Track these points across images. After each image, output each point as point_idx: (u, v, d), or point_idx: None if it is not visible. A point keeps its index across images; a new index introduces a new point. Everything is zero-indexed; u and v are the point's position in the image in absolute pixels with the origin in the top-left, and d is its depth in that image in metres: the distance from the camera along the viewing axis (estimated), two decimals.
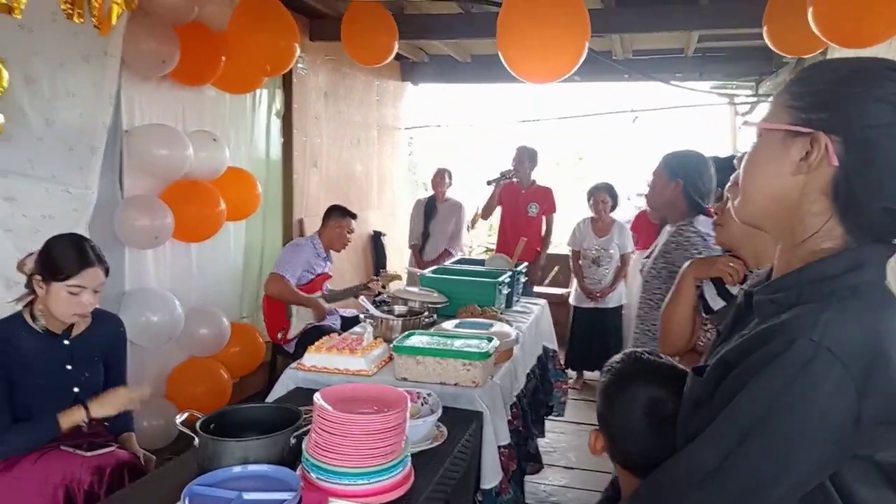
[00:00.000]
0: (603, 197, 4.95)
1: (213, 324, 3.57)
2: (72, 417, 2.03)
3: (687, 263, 1.66)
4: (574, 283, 5.17)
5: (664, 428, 0.99)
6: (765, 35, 3.18)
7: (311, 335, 3.77)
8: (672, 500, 0.85)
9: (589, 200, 5.11)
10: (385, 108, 6.30)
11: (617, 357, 1.17)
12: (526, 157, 4.97)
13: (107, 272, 2.10)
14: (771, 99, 0.92)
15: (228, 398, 3.65)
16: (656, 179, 2.49)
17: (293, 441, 1.70)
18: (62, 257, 2.02)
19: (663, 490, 0.88)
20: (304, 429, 1.70)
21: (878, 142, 0.78)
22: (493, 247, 5.73)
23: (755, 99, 6.62)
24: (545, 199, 5.02)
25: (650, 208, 2.97)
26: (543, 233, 5.07)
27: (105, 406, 2.09)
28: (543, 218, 5.03)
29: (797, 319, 0.79)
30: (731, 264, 1.53)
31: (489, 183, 5.12)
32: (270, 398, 2.37)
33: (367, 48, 3.79)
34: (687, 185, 2.39)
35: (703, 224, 2.36)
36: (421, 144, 8.08)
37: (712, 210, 1.99)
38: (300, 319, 3.90)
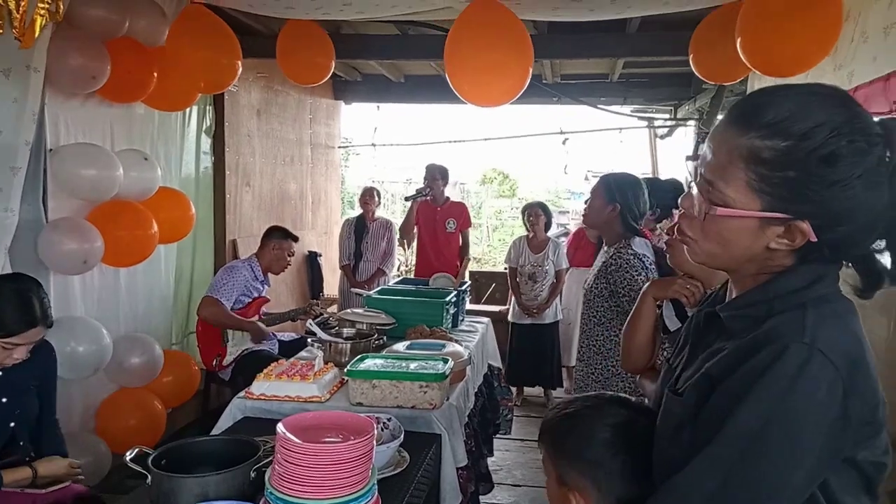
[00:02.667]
0: (536, 212, 5.07)
1: (144, 352, 3.38)
2: (15, 476, 1.91)
3: (647, 284, 1.71)
4: (512, 300, 5.25)
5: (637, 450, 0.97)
6: (691, 62, 3.36)
7: (248, 361, 3.65)
8: None
9: (523, 218, 5.22)
10: (318, 126, 6.22)
11: (561, 403, 1.12)
12: (438, 174, 5.04)
13: (49, 326, 1.99)
14: (715, 153, 0.87)
15: (163, 430, 3.46)
16: (595, 201, 2.59)
17: (253, 474, 1.64)
18: (4, 313, 1.88)
19: None
20: (266, 461, 1.63)
21: (854, 214, 0.81)
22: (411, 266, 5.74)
23: (673, 122, 6.99)
24: (461, 214, 5.13)
25: (588, 227, 3.07)
26: (461, 247, 5.15)
27: (50, 467, 1.99)
28: (460, 233, 5.11)
29: (782, 326, 0.82)
30: (687, 286, 1.59)
31: (407, 199, 5.15)
32: (217, 430, 2.27)
33: (303, 68, 3.74)
34: (624, 209, 2.50)
35: (640, 245, 2.47)
36: (353, 162, 8.03)
37: (664, 230, 2.08)
38: (236, 345, 3.76)
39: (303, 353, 2.84)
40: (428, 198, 5.03)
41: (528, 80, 2.74)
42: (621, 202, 2.52)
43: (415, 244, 5.39)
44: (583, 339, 2.64)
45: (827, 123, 0.79)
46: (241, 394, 2.39)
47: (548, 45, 4.46)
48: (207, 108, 4.54)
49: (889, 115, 1.99)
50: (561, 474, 1.04)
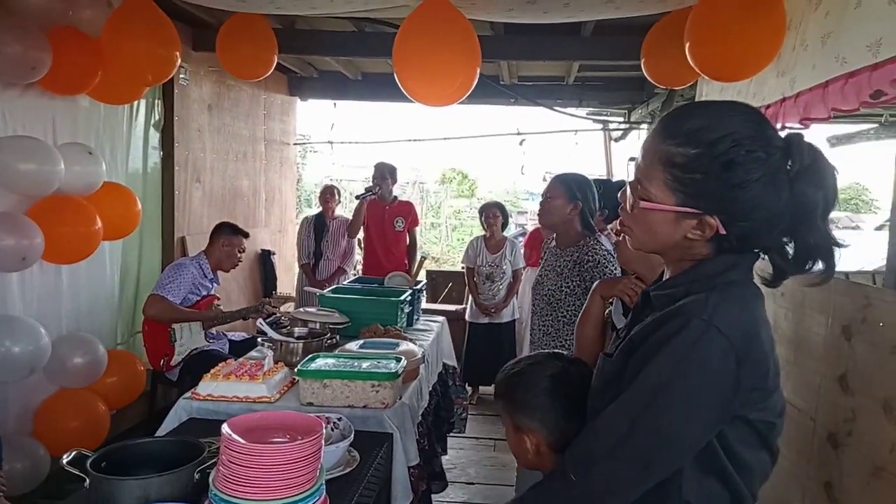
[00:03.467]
0: (494, 213, 5.10)
1: (87, 352, 3.26)
2: None
3: (596, 283, 1.76)
4: (469, 299, 5.26)
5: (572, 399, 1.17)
6: (643, 67, 3.42)
7: (197, 361, 3.56)
8: (591, 469, 0.99)
9: (480, 218, 5.25)
10: (273, 122, 6.11)
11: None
12: (387, 173, 5.03)
13: None
14: (643, 157, 1.03)
15: (107, 432, 3.34)
16: (554, 200, 2.60)
17: (197, 476, 1.60)
18: None
19: (582, 461, 1.00)
20: (210, 462, 1.60)
21: (755, 211, 0.96)
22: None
23: (627, 125, 7.12)
24: (409, 213, 5.14)
25: (544, 227, 3.09)
26: (409, 246, 5.15)
27: None
28: (408, 232, 5.12)
29: (690, 304, 0.97)
30: (631, 286, 1.63)
31: (357, 198, 5.12)
32: (162, 431, 2.21)
33: (244, 62, 3.65)
34: (584, 207, 2.53)
35: (607, 242, 2.51)
36: (311, 159, 7.92)
37: (612, 231, 2.12)
38: (184, 344, 3.67)
39: (253, 353, 2.79)
40: (376, 196, 5.01)
41: (476, 81, 2.74)
42: (582, 200, 2.55)
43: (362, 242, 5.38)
44: (547, 341, 2.64)
45: (730, 136, 0.95)
46: (188, 394, 2.33)
47: (504, 46, 4.49)
48: (156, 101, 4.41)
49: (826, 121, 2.07)
50: (515, 422, 1.25)
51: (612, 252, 2.42)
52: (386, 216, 5.05)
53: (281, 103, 6.29)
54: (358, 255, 6.59)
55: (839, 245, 0.98)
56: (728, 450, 0.96)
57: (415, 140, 8.78)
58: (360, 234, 6.22)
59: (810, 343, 2.43)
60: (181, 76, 4.50)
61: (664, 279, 1.11)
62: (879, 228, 9.81)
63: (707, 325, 0.92)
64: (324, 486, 1.58)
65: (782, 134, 1.00)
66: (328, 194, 5.53)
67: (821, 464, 2.31)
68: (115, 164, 3.90)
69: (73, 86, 3.17)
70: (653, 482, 0.96)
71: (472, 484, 3.78)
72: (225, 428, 1.52)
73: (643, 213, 1.03)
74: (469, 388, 5.24)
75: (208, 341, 3.82)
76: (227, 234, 3.87)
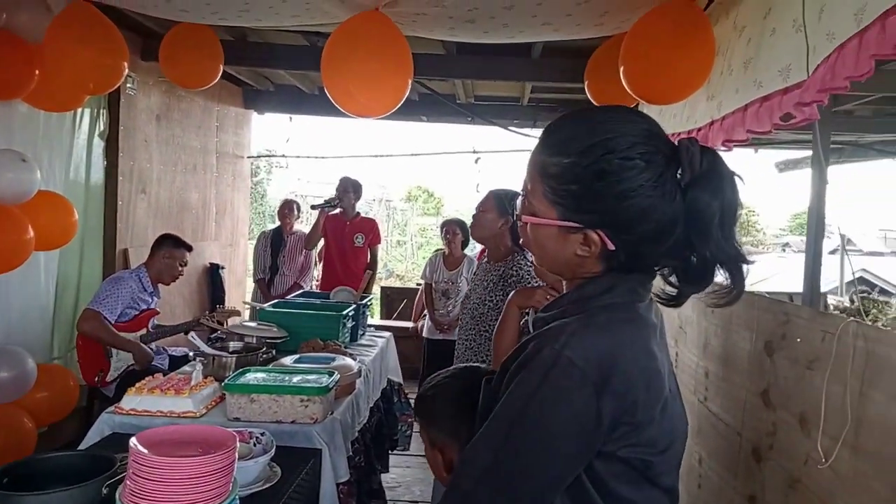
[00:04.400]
0: (453, 229, 5.12)
1: (13, 365, 3.14)
2: None
3: (512, 293, 1.77)
4: (427, 315, 5.26)
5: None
6: (586, 89, 3.50)
7: (134, 376, 3.46)
8: (466, 495, 0.91)
9: (441, 234, 5.27)
10: (226, 134, 6.05)
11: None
12: (350, 188, 4.99)
13: None
14: (527, 168, 0.98)
15: (33, 449, 3.22)
16: (485, 214, 2.62)
17: (105, 490, 1.55)
18: None
19: (455, 492, 0.92)
20: (119, 477, 1.55)
21: (640, 223, 0.89)
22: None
23: None
24: (371, 229, 5.09)
25: (475, 240, 3.12)
26: (368, 263, 5.11)
27: None
28: (369, 249, 5.08)
29: (549, 331, 0.90)
30: (547, 296, 1.65)
31: (313, 208, 5.09)
32: (83, 446, 2.15)
33: (187, 71, 3.60)
34: (514, 222, 2.55)
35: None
36: (276, 174, 7.84)
37: None
38: (121, 359, 3.57)
39: (185, 368, 2.73)
40: (337, 210, 4.98)
41: (407, 93, 2.75)
42: (513, 214, 2.57)
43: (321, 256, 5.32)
44: (469, 355, 2.64)
45: (603, 143, 0.89)
46: (110, 409, 2.27)
47: (456, 65, 4.55)
48: (101, 110, 4.33)
49: (744, 143, 2.14)
50: (431, 437, 1.24)
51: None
52: (346, 231, 4.99)
53: (235, 116, 6.24)
54: (316, 271, 6.54)
55: (745, 260, 0.91)
56: (602, 487, 0.88)
57: (376, 156, 8.82)
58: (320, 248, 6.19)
59: (737, 359, 2.49)
60: (128, 85, 4.44)
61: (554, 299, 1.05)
62: (833, 252, 9.97)
63: (558, 354, 0.85)
64: (237, 501, 1.55)
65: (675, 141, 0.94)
66: (286, 209, 5.48)
67: (746, 477, 2.35)
68: (55, 173, 3.81)
69: (7, 90, 3.09)
70: None
71: (416, 503, 3.74)
72: (132, 441, 1.48)
73: (531, 229, 0.97)
74: None
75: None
76: (169, 246, 3.79)
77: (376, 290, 7.69)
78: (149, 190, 4.79)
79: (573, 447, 0.85)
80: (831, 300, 6.68)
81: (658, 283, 0.99)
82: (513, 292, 1.77)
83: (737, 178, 0.91)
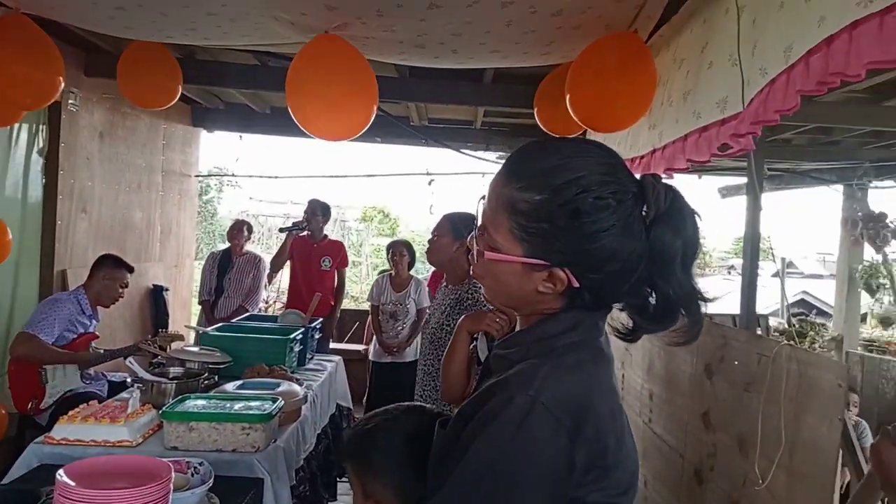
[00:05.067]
0: (400, 250, 5.11)
1: None
2: None
3: (462, 318, 1.76)
4: (374, 338, 5.20)
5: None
6: (536, 116, 3.57)
7: (70, 404, 3.31)
8: None
9: (388, 255, 5.24)
10: (173, 152, 5.91)
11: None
12: (318, 210, 4.95)
13: None
14: (489, 201, 0.93)
15: None
16: (441, 238, 2.62)
17: None
18: None
19: None
20: None
21: (609, 262, 0.86)
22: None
23: None
24: (338, 252, 5.04)
25: (431, 265, 3.12)
26: (336, 286, 5.04)
27: None
28: (336, 272, 5.02)
29: (517, 376, 0.86)
30: (496, 320, 1.64)
31: (281, 231, 5.01)
32: (8, 479, 2.03)
33: (147, 91, 3.54)
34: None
35: None
36: (228, 193, 7.68)
37: None
38: (56, 386, 3.41)
39: (122, 395, 2.63)
40: (305, 232, 4.91)
41: (373, 117, 2.76)
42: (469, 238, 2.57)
43: (282, 279, 5.23)
44: (427, 381, 2.63)
45: (577, 180, 0.86)
46: (40, 439, 2.16)
47: (408, 88, 4.58)
48: (41, 126, 4.18)
49: (685, 171, 2.22)
50: (364, 486, 1.07)
51: None
52: (313, 254, 4.92)
53: (183, 134, 6.11)
54: (265, 293, 6.41)
55: (704, 298, 0.89)
56: None
57: (330, 176, 8.75)
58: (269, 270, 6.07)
59: (679, 381, 2.54)
60: (70, 101, 4.30)
61: (510, 335, 1.00)
62: (775, 276, 10.25)
63: (532, 401, 0.81)
64: None
65: (637, 176, 0.91)
66: (236, 230, 5.37)
67: (688, 499, 2.39)
68: None
69: None
70: None
71: None
72: (60, 473, 1.42)
73: (490, 263, 0.92)
74: None
75: (84, 382, 3.57)
76: (109, 266, 3.67)
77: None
78: (90, 209, 4.63)
79: (546, 497, 0.81)
80: (773, 322, 6.92)
81: (615, 316, 0.96)
82: (461, 318, 1.76)
83: (697, 216, 0.90)
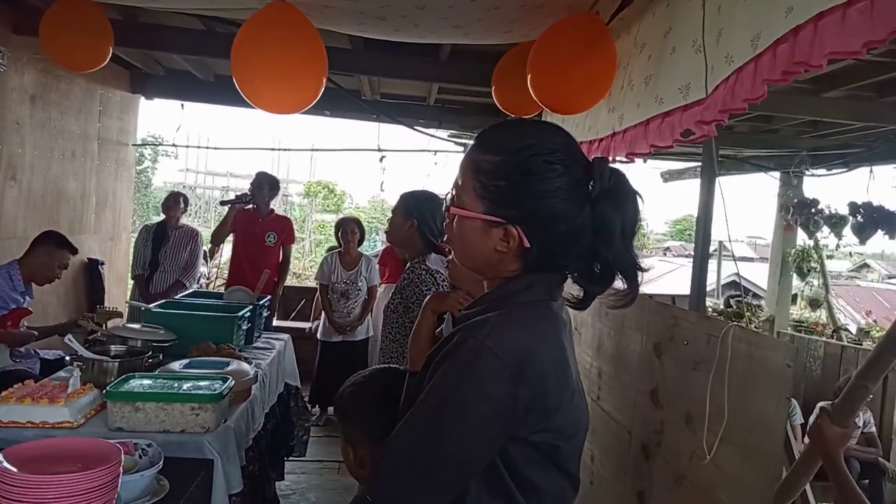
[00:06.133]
0: (352, 228, 5.03)
1: None
2: None
3: (428, 297, 1.75)
4: (322, 317, 5.12)
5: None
6: (493, 94, 3.55)
7: (1, 383, 3.14)
8: (381, 491, 0.98)
9: (337, 233, 5.15)
10: (110, 119, 5.62)
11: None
12: (266, 184, 4.79)
13: None
14: (460, 166, 1.06)
15: None
16: (395, 218, 2.61)
17: None
18: None
19: (375, 482, 1.01)
20: None
21: (554, 224, 0.99)
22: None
23: None
24: (284, 228, 4.89)
25: (390, 244, 3.11)
26: (280, 263, 4.91)
27: None
28: (281, 248, 4.89)
29: (473, 325, 0.98)
30: (460, 300, 1.65)
31: (223, 204, 4.84)
32: None
33: (72, 50, 3.27)
34: (421, 224, 2.54)
35: (434, 262, 2.52)
36: (164, 164, 7.35)
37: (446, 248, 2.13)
38: None
39: (60, 374, 2.50)
40: (250, 206, 4.74)
41: (322, 90, 2.66)
42: (418, 218, 2.55)
43: (223, 254, 5.06)
44: (380, 357, 2.61)
45: (531, 146, 1.00)
46: None
47: (362, 60, 4.47)
48: None
49: (647, 155, 2.25)
50: (345, 433, 1.28)
51: (438, 271, 2.45)
52: (258, 229, 4.74)
53: (120, 100, 5.81)
54: (203, 269, 6.20)
55: (641, 269, 1.03)
56: (513, 471, 0.96)
57: (275, 149, 8.51)
58: (207, 247, 5.87)
59: (628, 360, 2.61)
60: None
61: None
62: (710, 256, 10.75)
63: (480, 344, 0.92)
64: None
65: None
66: (171, 201, 5.15)
67: (635, 474, 2.47)
68: None
69: None
70: None
71: None
72: None
73: (458, 223, 1.05)
74: (317, 409, 5.09)
75: (14, 361, 3.39)
76: (50, 244, 3.47)
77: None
78: (20, 177, 4.36)
79: (490, 430, 0.93)
80: (709, 302, 7.19)
81: (568, 288, 1.08)
82: (428, 297, 1.75)
83: (638, 197, 1.02)
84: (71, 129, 4.97)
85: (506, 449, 0.95)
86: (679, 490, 2.12)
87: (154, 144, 8.03)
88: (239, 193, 4.81)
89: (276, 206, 5.78)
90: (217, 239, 5.02)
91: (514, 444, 0.95)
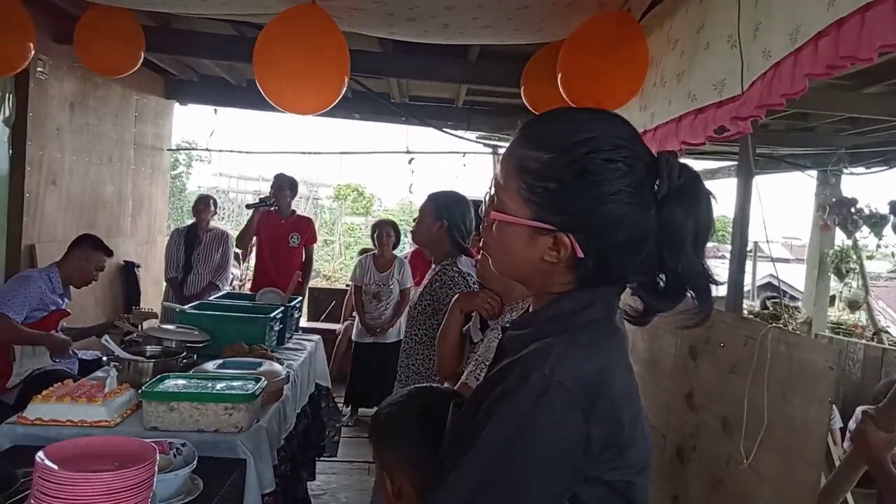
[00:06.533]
0: (387, 231, 5.06)
1: None
2: None
3: (455, 297, 1.74)
4: (356, 318, 5.15)
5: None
6: (522, 94, 3.53)
7: (39, 382, 3.21)
8: None
9: (373, 235, 5.18)
10: (145, 125, 5.74)
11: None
12: (286, 185, 4.84)
13: None
14: (501, 163, 0.93)
15: None
16: (423, 218, 2.60)
17: None
18: None
19: None
20: (21, 496, 1.42)
21: (614, 231, 0.85)
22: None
23: None
24: (306, 229, 4.94)
25: (416, 245, 3.11)
26: (304, 263, 4.96)
27: None
28: (304, 248, 4.93)
29: (532, 354, 0.85)
30: (488, 300, 1.63)
31: (248, 207, 4.90)
32: None
33: (105, 56, 3.37)
34: (451, 225, 2.53)
35: (465, 264, 2.51)
36: (197, 168, 7.49)
37: (474, 250, 2.12)
38: (24, 364, 3.31)
39: (98, 373, 2.55)
40: (272, 208, 4.80)
41: (342, 92, 2.67)
42: (448, 219, 2.55)
43: (253, 256, 5.12)
44: (403, 358, 2.61)
45: (588, 141, 0.85)
46: (12, 418, 2.09)
47: (391, 63, 4.49)
48: (8, 95, 4.01)
49: (678, 153, 2.20)
50: (381, 461, 1.15)
51: (470, 274, 2.44)
52: (281, 230, 4.80)
53: (155, 106, 5.93)
54: (235, 271, 6.29)
55: (714, 281, 0.89)
56: None
57: (305, 153, 8.61)
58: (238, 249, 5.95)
59: (662, 363, 2.56)
60: (39, 69, 4.13)
61: (524, 315, 0.99)
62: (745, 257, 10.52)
63: (548, 379, 0.80)
64: None
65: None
66: (202, 204, 5.23)
67: (670, 478, 2.42)
68: None
69: None
70: None
71: None
72: (39, 455, 1.36)
73: (498, 229, 0.91)
74: (348, 410, 5.12)
75: (54, 360, 3.47)
76: (87, 247, 3.54)
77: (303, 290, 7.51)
78: (60, 182, 4.48)
79: (561, 478, 0.81)
80: (744, 304, 7.03)
81: (624, 300, 0.95)
82: (455, 296, 1.74)
83: (712, 198, 0.89)
84: (108, 135, 5.09)
85: (576, 491, 0.83)
86: (715, 495, 2.08)
87: (187, 149, 8.19)
88: (262, 196, 4.85)
89: (307, 209, 5.82)
90: (242, 242, 5.08)
91: (587, 484, 0.84)
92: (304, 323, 5.62)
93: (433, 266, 2.66)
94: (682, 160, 0.93)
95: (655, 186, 0.87)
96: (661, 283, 0.89)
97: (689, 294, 0.88)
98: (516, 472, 0.80)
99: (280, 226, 4.81)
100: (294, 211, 4.97)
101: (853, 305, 6.57)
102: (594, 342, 0.87)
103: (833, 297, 6.99)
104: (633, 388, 0.89)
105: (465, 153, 7.29)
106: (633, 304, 0.93)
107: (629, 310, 0.93)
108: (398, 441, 1.13)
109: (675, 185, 0.86)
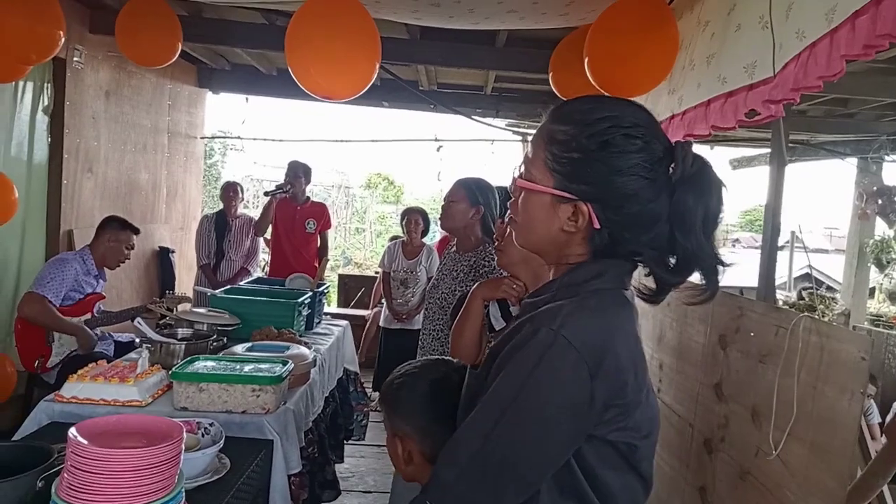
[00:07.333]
0: (416, 218, 5.07)
1: None
2: None
3: (476, 284, 1.74)
4: (384, 304, 5.20)
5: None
6: (550, 80, 3.49)
7: (77, 363, 3.32)
8: (445, 494, 0.90)
9: (402, 222, 5.21)
10: (179, 113, 5.84)
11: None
12: (301, 172, 4.89)
13: None
14: (532, 140, 1.01)
15: None
16: (458, 204, 2.57)
17: (41, 484, 1.47)
18: None
19: (436, 485, 0.92)
20: (56, 469, 1.47)
21: (629, 204, 0.92)
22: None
23: None
24: (321, 215, 5.00)
25: (445, 232, 3.09)
26: (319, 248, 5.02)
27: None
28: (319, 234, 4.99)
29: (543, 312, 0.91)
30: (513, 286, 1.63)
31: (266, 194, 4.97)
32: (19, 436, 2.04)
33: (145, 47, 3.43)
34: (486, 212, 2.52)
35: None
36: (231, 157, 7.57)
37: (496, 235, 2.11)
38: (63, 345, 3.41)
39: (131, 355, 2.62)
40: (287, 195, 4.86)
41: (375, 76, 2.67)
42: (484, 204, 2.53)
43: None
44: (436, 346, 2.61)
45: (610, 118, 0.93)
46: (50, 396, 2.16)
47: (419, 50, 4.48)
48: (46, 84, 4.11)
49: (707, 138, 2.16)
50: (393, 426, 1.21)
51: None
52: (297, 217, 4.88)
53: (188, 94, 6.02)
54: (264, 255, 6.39)
55: (722, 263, 0.94)
56: (588, 472, 0.89)
57: (335, 141, 8.64)
58: (267, 235, 6.04)
59: (691, 352, 2.52)
60: (75, 59, 4.22)
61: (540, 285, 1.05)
62: (782, 248, 10.32)
63: (555, 335, 0.85)
64: (182, 494, 1.49)
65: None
66: (231, 191, 5.32)
67: (697, 468, 2.39)
68: None
69: None
70: None
71: (370, 492, 3.71)
72: (72, 431, 1.41)
73: (524, 199, 0.98)
74: (376, 395, 5.17)
75: (82, 352, 3.57)
76: (115, 228, 3.63)
77: (333, 277, 7.59)
78: (96, 169, 4.59)
79: (567, 429, 0.86)
80: (780, 295, 6.88)
81: (638, 279, 1.01)
82: (477, 284, 1.74)
83: (723, 187, 0.94)
84: (142, 123, 5.19)
85: (580, 449, 0.88)
86: (743, 486, 2.04)
87: (220, 137, 8.30)
88: (278, 184, 4.92)
89: (339, 198, 5.87)
90: (260, 229, 5.15)
91: (590, 443, 0.88)
92: (333, 309, 5.69)
93: (456, 252, 2.64)
94: (712, 147, 0.96)
95: (670, 170, 0.93)
96: (672, 262, 0.95)
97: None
98: (522, 422, 0.86)
99: (296, 212, 4.89)
100: (308, 197, 5.04)
101: (894, 297, 6.37)
102: (602, 307, 0.93)
103: (873, 289, 6.79)
104: (640, 357, 0.93)
105: (493, 140, 7.25)
106: (647, 283, 1.00)
107: (643, 288, 0.99)
108: (410, 409, 1.18)
109: (688, 171, 0.92)
